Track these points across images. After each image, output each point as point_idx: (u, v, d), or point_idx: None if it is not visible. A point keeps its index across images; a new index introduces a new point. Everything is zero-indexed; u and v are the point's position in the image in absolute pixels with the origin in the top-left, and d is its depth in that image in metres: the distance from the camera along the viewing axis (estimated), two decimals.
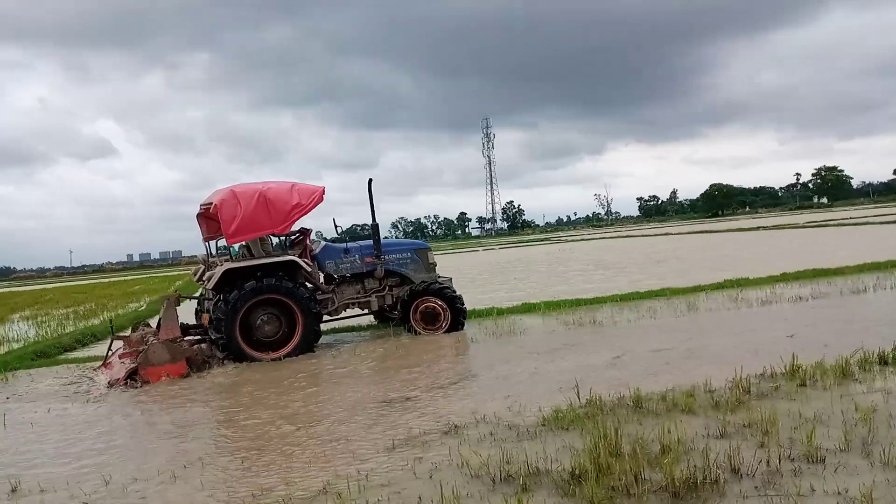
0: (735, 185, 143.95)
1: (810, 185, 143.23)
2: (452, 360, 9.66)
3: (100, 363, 11.17)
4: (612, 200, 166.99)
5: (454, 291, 11.73)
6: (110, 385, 9.66)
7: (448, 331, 11.43)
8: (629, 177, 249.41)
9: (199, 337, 11.19)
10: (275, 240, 11.91)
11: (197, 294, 12.92)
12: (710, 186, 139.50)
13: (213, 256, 12.14)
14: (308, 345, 10.82)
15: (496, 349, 10.02)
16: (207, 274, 11.12)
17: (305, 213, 11.10)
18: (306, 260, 11.27)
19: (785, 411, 5.53)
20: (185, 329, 11.06)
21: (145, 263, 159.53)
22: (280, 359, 10.45)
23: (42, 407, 8.67)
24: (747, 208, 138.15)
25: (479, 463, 4.95)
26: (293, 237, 11.82)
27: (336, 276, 11.86)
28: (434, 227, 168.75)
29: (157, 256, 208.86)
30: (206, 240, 12.27)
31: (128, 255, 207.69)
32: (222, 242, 12.38)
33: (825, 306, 11.20)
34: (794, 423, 5.29)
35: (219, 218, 10.83)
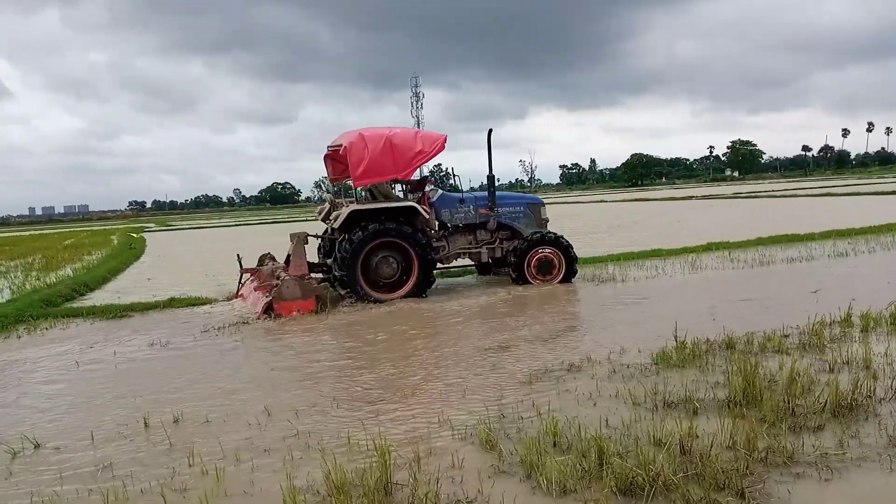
0: (654, 156, 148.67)
1: (723, 157, 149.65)
2: (559, 307, 10.16)
3: (234, 294, 12.35)
4: (536, 167, 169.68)
5: (567, 241, 12.09)
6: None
7: (561, 281, 11.84)
8: (549, 143, 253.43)
9: (322, 275, 11.85)
10: (397, 186, 12.38)
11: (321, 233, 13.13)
12: (632, 156, 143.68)
13: (329, 194, 12.94)
14: (421, 289, 11.29)
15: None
16: (334, 214, 11.57)
17: (428, 160, 11.57)
18: (425, 207, 11.61)
19: (865, 351, 6.29)
20: (311, 266, 11.53)
21: (53, 218, 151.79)
22: (398, 300, 10.96)
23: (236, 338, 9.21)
24: (663, 179, 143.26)
25: (629, 392, 5.50)
26: (413, 183, 12.09)
27: (450, 225, 12.19)
28: (359, 189, 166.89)
29: (63, 210, 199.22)
30: (333, 181, 13.02)
31: (30, 209, 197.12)
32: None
33: (825, 266, 12.21)
34: (881, 360, 6.06)
35: (347, 160, 11.12)
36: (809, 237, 16.16)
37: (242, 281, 12.43)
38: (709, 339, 7.01)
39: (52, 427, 5.76)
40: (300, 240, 11.46)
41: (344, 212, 11.20)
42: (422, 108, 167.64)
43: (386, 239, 11.13)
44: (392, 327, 9.19)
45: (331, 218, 11.89)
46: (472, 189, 13.05)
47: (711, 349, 6.73)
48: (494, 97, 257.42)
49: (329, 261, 11.91)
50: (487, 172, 12.41)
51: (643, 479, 3.85)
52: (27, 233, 67.12)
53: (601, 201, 56.03)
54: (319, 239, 12.68)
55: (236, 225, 56.11)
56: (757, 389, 5.19)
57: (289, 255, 11.90)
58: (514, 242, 12.23)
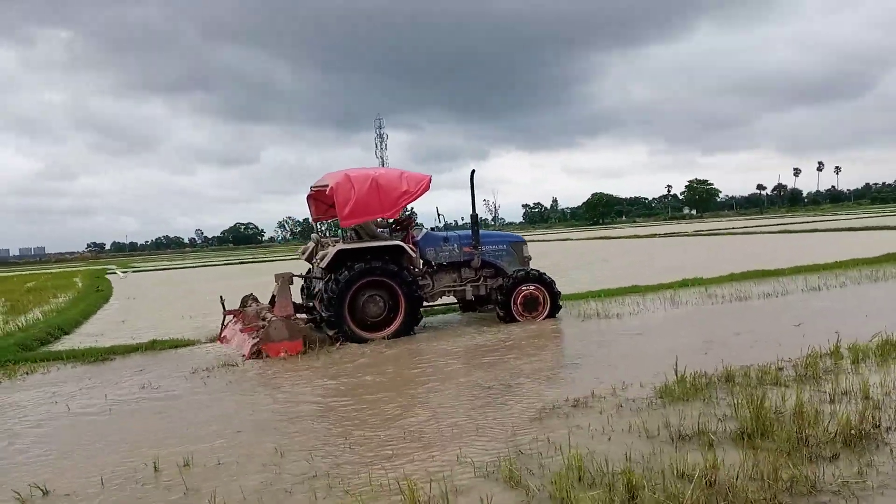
0: (614, 195, 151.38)
1: (681, 196, 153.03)
2: (551, 343, 10.33)
3: (216, 337, 12.20)
4: (499, 207, 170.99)
5: (551, 278, 12.23)
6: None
7: (547, 317, 11.99)
8: (510, 183, 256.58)
9: (307, 316, 11.91)
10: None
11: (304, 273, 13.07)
12: (593, 195, 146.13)
13: (321, 235, 13.12)
14: (409, 327, 11.31)
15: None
16: (320, 253, 11.65)
17: (413, 200, 11.57)
18: (410, 245, 11.67)
19: (862, 382, 6.48)
20: (295, 307, 11.53)
21: (9, 260, 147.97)
22: (385, 339, 10.97)
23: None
24: (623, 217, 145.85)
25: (642, 426, 5.59)
26: (398, 223, 12.12)
27: (434, 264, 12.26)
28: (324, 229, 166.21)
29: (18, 252, 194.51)
30: (315, 220, 13.11)
31: None
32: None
33: (800, 300, 12.54)
34: (878, 390, 6.25)
35: (334, 200, 11.23)
36: (780, 272, 16.58)
37: (225, 323, 12.30)
38: (706, 372, 7.15)
39: (54, 473, 5.60)
40: (285, 280, 11.41)
41: (331, 251, 11.22)
42: (386, 148, 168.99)
43: (372, 278, 11.17)
44: (387, 368, 9.16)
45: (317, 258, 11.89)
46: (444, 227, 13.19)
47: (711, 382, 6.86)
48: (456, 138, 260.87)
49: (314, 301, 11.90)
50: (471, 212, 12.56)
51: None
52: None
53: (566, 239, 56.73)
54: (303, 279, 12.65)
55: (202, 266, 55.36)
56: (766, 421, 5.31)
57: (273, 296, 11.83)
58: (499, 280, 12.35)
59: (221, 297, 12.39)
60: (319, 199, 12.80)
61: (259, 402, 7.75)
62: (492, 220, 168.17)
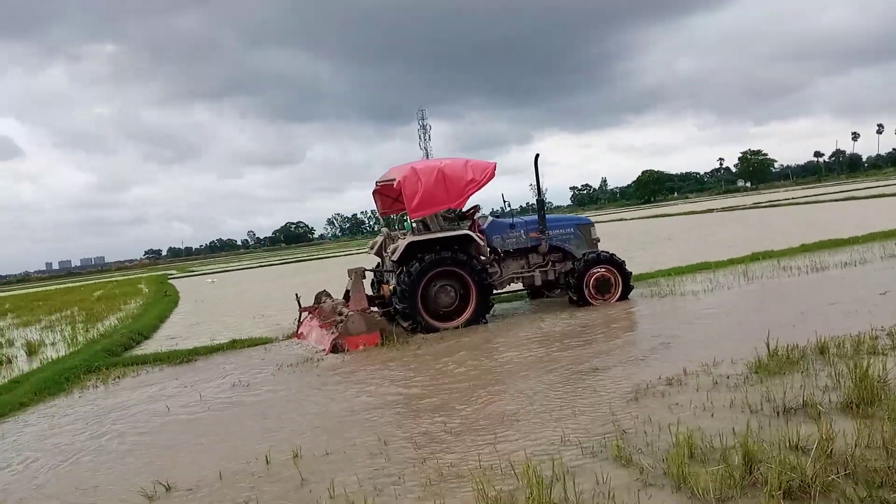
0: (665, 172, 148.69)
1: (734, 169, 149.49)
2: (631, 325, 10.29)
3: (293, 334, 12.46)
4: (546, 190, 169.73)
5: (621, 259, 12.22)
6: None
7: (619, 299, 11.97)
8: (556, 166, 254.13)
9: (380, 308, 12.12)
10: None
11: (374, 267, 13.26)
12: (643, 173, 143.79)
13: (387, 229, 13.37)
14: (481, 315, 11.42)
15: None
16: (391, 247, 11.82)
17: (479, 189, 11.59)
18: (478, 234, 11.79)
19: None
20: (369, 300, 11.74)
21: (72, 271, 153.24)
22: (459, 328, 11.12)
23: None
24: (675, 194, 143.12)
25: (744, 401, 5.56)
26: (464, 212, 12.26)
27: (501, 251, 12.35)
28: (373, 223, 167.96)
29: (79, 263, 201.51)
30: (382, 214, 13.46)
31: (46, 264, 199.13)
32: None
33: (881, 268, 12.19)
34: None
35: (402, 194, 11.40)
36: (854, 240, 16.14)
37: (301, 319, 12.57)
38: (798, 345, 7.05)
39: (171, 470, 5.85)
40: (358, 275, 11.62)
41: (401, 244, 11.37)
42: (430, 139, 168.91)
43: (443, 268, 11.27)
44: (467, 357, 9.22)
45: (387, 251, 12.05)
46: (508, 213, 13.10)
47: (805, 355, 6.76)
48: (498, 125, 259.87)
49: (388, 294, 12.07)
50: (536, 196, 12.57)
51: (800, 483, 3.91)
52: (52, 287, 67.82)
53: (620, 220, 56.02)
54: (373, 273, 12.84)
55: (258, 266, 56.54)
56: (872, 390, 5.23)
57: (347, 291, 12.05)
58: (568, 264, 12.32)
59: (297, 294, 12.67)
60: (385, 193, 12.99)
61: (349, 394, 7.92)
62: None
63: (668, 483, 4.26)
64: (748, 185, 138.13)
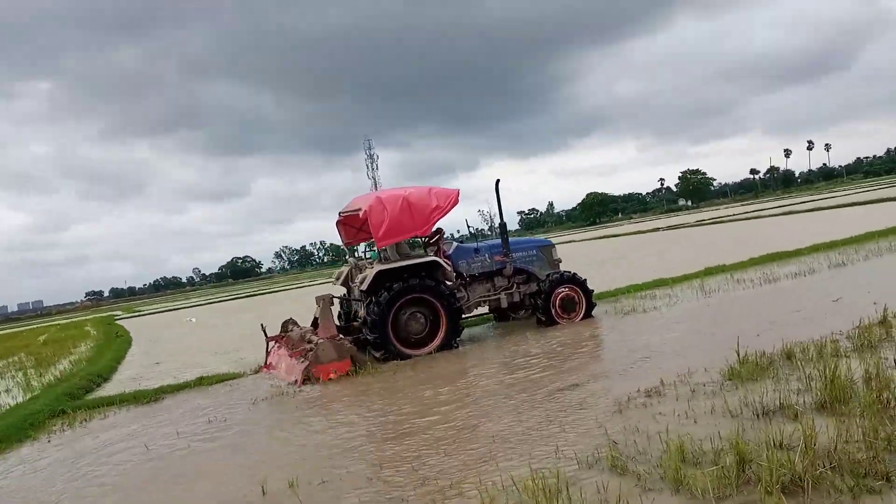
0: (608, 193, 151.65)
1: (675, 188, 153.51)
2: (600, 341, 10.54)
3: (262, 367, 12.33)
4: (495, 216, 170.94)
5: (583, 277, 12.51)
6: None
7: (583, 317, 12.29)
8: (503, 191, 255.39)
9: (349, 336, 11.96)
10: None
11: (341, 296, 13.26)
12: (588, 195, 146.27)
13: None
14: (451, 340, 11.50)
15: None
16: (359, 276, 11.79)
17: (444, 215, 11.79)
18: (444, 260, 11.92)
19: None
20: (338, 329, 11.74)
21: (11, 317, 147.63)
22: (431, 353, 11.19)
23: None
24: (619, 215, 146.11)
25: (724, 406, 5.81)
26: (429, 239, 12.33)
27: (467, 275, 12.52)
28: (321, 255, 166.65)
29: (16, 308, 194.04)
30: (347, 244, 13.45)
31: None
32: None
33: (829, 277, 12.79)
34: None
35: (368, 223, 11.48)
36: (799, 252, 16.86)
37: (269, 350, 12.48)
38: (765, 352, 7.37)
39: None
40: (326, 302, 11.63)
41: (370, 273, 11.45)
42: (377, 168, 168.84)
43: (412, 295, 11.38)
44: (443, 382, 9.28)
45: (356, 281, 12.11)
46: (470, 238, 13.38)
47: (774, 361, 7.07)
48: (445, 152, 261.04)
49: (356, 323, 12.11)
50: (499, 221, 12.82)
51: (792, 477, 4.14)
52: None
53: (570, 241, 56.89)
54: (340, 302, 12.85)
55: (206, 303, 55.50)
56: (843, 389, 5.54)
57: (315, 319, 12.04)
58: (532, 286, 12.58)
59: (262, 325, 12.59)
60: (349, 223, 13.08)
61: (329, 424, 7.92)
62: (488, 229, 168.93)
63: (667, 487, 4.45)
64: (689, 203, 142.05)
